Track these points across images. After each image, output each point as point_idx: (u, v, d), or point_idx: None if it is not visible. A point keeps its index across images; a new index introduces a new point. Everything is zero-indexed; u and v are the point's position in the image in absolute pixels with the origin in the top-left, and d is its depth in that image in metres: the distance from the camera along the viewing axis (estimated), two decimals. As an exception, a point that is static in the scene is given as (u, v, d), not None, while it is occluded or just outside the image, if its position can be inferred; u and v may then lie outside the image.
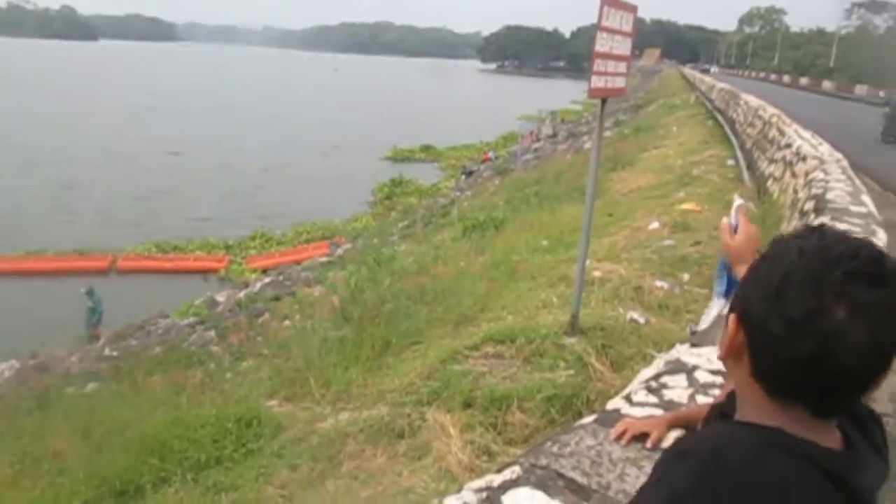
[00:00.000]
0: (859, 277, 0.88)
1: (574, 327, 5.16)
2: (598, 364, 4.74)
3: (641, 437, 1.55)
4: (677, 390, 1.82)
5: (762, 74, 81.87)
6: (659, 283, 6.42)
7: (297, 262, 22.91)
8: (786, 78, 73.75)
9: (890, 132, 17.27)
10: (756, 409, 0.97)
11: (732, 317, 0.98)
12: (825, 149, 7.51)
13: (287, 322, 10.71)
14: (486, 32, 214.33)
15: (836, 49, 67.35)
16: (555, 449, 1.52)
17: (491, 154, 44.99)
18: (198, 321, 14.19)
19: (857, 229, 3.71)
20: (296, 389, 5.99)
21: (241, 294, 18.26)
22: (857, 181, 5.66)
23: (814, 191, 5.12)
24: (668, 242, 7.85)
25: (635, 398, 1.81)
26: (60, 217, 26.55)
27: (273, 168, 38.43)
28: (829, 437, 0.96)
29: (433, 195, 34.00)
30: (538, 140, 47.26)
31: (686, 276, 6.75)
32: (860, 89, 51.20)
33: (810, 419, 0.95)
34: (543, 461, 1.47)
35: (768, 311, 0.92)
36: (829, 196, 4.63)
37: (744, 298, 0.97)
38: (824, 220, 3.98)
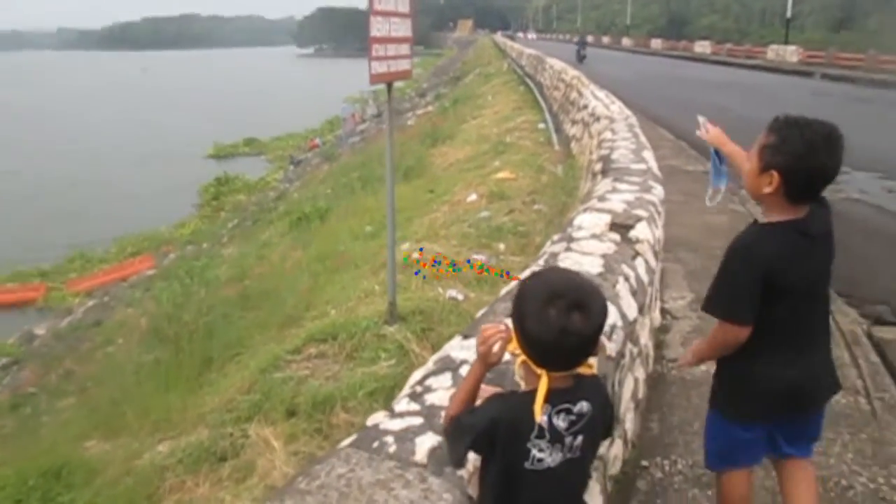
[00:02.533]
0: (829, 138, 1.93)
1: (393, 315, 5.12)
2: (418, 349, 4.72)
3: None
4: (440, 392, 1.77)
5: (568, 37, 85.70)
6: (477, 257, 6.52)
7: (124, 279, 21.48)
8: (589, 38, 77.70)
9: (578, 58, 34.06)
10: (780, 212, 2.01)
11: (776, 175, 1.95)
12: (616, 108, 7.91)
13: (111, 349, 9.98)
14: (299, 16, 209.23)
15: (630, 7, 71.69)
16: (303, 485, 1.42)
17: (318, 140, 44.28)
18: (11, 361, 12.94)
19: (636, 187, 3.89)
20: (113, 424, 5.56)
21: (64, 323, 16.89)
22: (642, 137, 5.98)
23: (602, 151, 5.36)
24: (484, 214, 7.99)
25: (397, 408, 1.74)
26: None
27: (85, 183, 35.33)
28: (806, 209, 2.01)
29: (262, 189, 32.97)
30: (363, 121, 47.03)
31: (502, 246, 6.90)
32: (655, 43, 54.84)
33: (806, 205, 2.01)
34: (288, 503, 1.37)
35: (800, 164, 1.91)
36: (615, 156, 4.85)
37: (782, 165, 1.94)
38: (608, 180, 4.15)
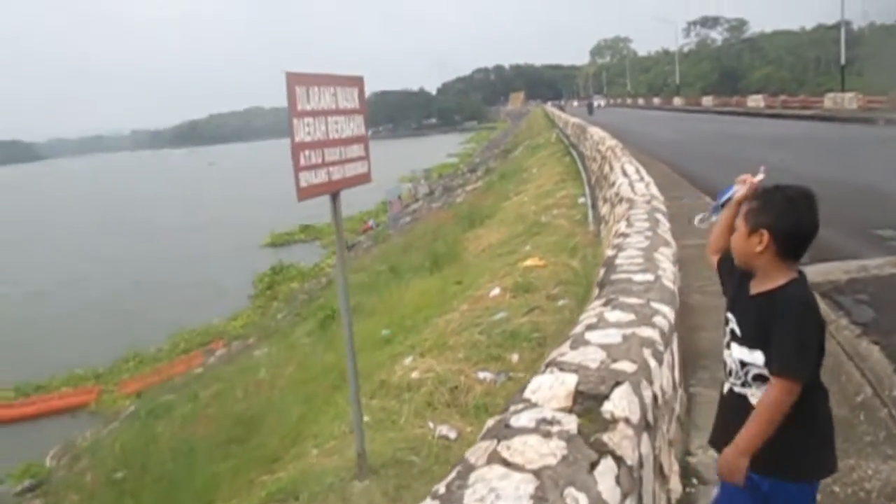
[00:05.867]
0: (807, 196, 2.10)
1: (363, 469, 4.19)
2: (386, 519, 3.78)
3: None
4: None
5: (619, 100, 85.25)
6: (482, 375, 5.57)
7: (172, 378, 21.22)
8: (640, 101, 77.03)
9: (588, 113, 46.56)
10: (779, 273, 2.12)
11: (766, 233, 2.10)
12: (642, 187, 6.94)
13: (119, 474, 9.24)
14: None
15: (678, 66, 70.87)
16: None
17: (371, 223, 44.34)
18: (34, 484, 12.35)
19: (630, 316, 2.93)
20: None
21: (105, 431, 16.45)
22: (663, 227, 4.99)
23: (609, 251, 4.42)
24: (500, 315, 7.05)
25: None
26: None
27: (150, 281, 35.77)
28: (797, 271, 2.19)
29: (316, 276, 32.82)
30: (416, 200, 47.14)
31: (515, 358, 5.93)
32: (706, 100, 53.64)
33: (796, 267, 2.15)
34: None
35: (785, 219, 2.08)
36: (619, 259, 3.90)
37: (769, 224, 2.10)
38: (598, 303, 3.21)
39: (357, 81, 4.10)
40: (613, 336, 2.69)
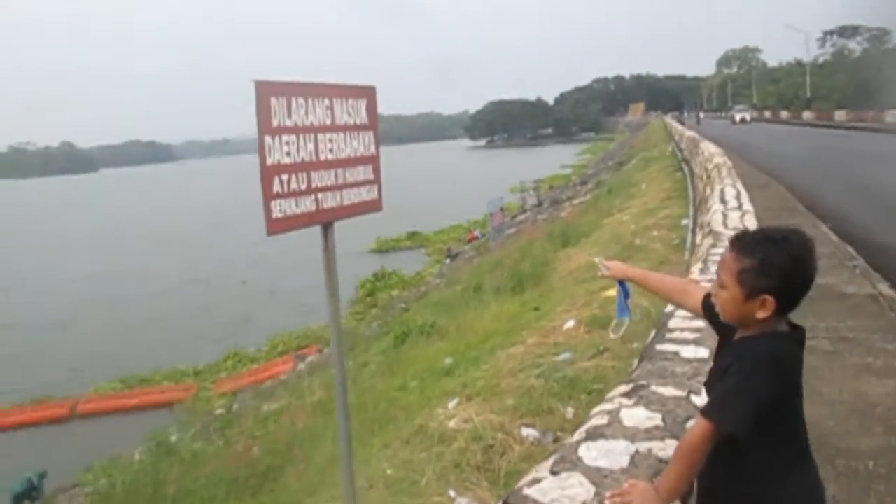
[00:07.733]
0: (807, 247, 1.82)
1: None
2: None
3: None
4: None
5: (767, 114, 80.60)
6: (525, 433, 4.80)
7: (261, 382, 21.71)
8: (766, 114, 72.83)
9: (696, 122, 54.66)
10: (766, 327, 1.85)
11: (770, 299, 1.81)
12: (735, 218, 5.95)
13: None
14: (472, 110, 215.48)
15: (809, 78, 66.42)
16: None
17: (477, 233, 43.85)
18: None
19: (655, 418, 2.14)
20: None
21: (190, 433, 16.65)
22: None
23: (669, 305, 3.59)
24: (564, 356, 6.24)
25: None
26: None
27: (253, 281, 36.90)
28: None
29: (416, 285, 32.70)
30: (524, 211, 46.40)
31: (570, 413, 5.11)
32: (839, 115, 49.87)
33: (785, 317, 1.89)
34: None
35: (791, 281, 1.81)
36: (673, 321, 3.08)
37: (773, 288, 1.81)
38: (622, 391, 2.43)
39: (366, 92, 3.45)
40: (618, 455, 1.91)
